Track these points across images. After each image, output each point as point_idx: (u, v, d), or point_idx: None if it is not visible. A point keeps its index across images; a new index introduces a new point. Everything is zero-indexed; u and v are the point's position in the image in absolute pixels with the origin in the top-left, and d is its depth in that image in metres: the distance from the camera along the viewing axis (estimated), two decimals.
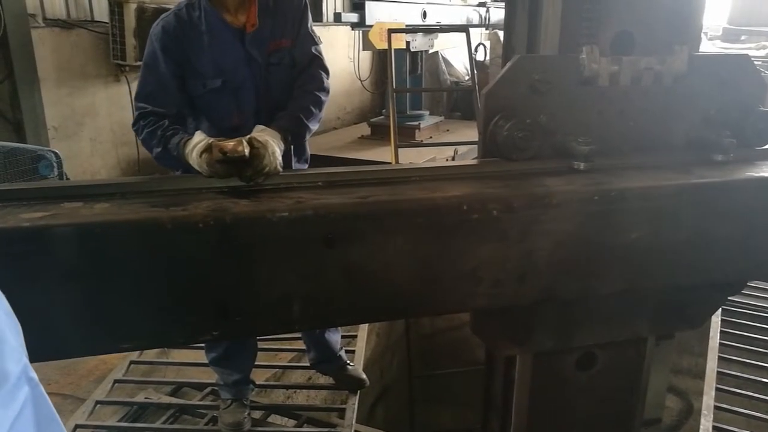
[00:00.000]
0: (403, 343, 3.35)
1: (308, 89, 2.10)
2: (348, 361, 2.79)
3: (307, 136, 2.14)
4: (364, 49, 6.06)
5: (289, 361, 3.12)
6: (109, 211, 1.01)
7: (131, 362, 3.06)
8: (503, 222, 1.11)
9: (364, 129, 7.01)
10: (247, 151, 1.18)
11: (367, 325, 2.93)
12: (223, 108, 2.13)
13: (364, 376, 2.78)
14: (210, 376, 2.71)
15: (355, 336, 2.96)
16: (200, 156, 1.30)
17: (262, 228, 1.01)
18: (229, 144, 1.18)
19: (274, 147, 1.30)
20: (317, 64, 2.16)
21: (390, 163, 4.74)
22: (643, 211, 1.19)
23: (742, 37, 13.82)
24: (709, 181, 1.25)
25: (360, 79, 7.88)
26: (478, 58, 7.57)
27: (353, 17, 5.52)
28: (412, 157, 5.37)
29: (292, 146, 2.22)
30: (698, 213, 1.23)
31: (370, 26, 5.29)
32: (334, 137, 7.13)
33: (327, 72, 2.18)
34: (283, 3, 2.12)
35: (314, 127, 2.11)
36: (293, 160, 2.30)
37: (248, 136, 1.31)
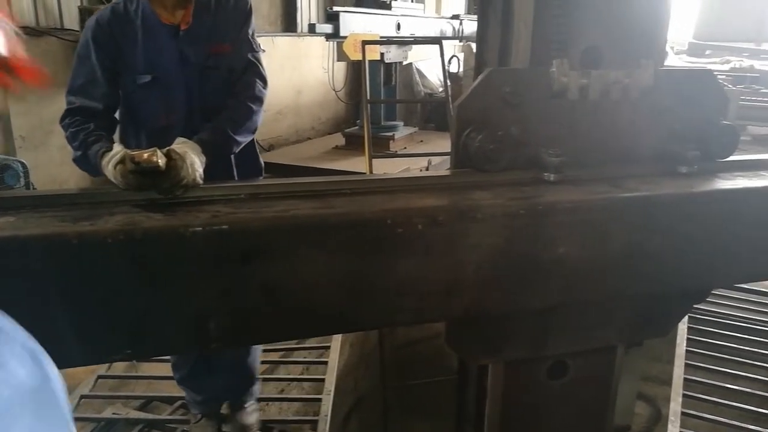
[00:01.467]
0: (378, 354, 3.35)
1: (240, 99, 2.06)
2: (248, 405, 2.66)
3: (236, 149, 2.07)
4: (338, 60, 6.10)
5: (261, 374, 3.08)
6: (12, 226, 0.96)
7: (99, 377, 2.99)
8: (428, 236, 1.09)
9: (339, 139, 7.01)
10: (162, 162, 1.15)
11: (340, 336, 2.92)
12: (152, 106, 2.09)
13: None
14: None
15: (329, 347, 2.94)
16: (115, 167, 1.26)
17: (175, 243, 0.98)
18: (144, 154, 1.14)
19: (194, 159, 1.27)
20: (253, 72, 2.11)
21: (364, 173, 4.74)
22: (572, 224, 1.18)
23: (707, 52, 14.22)
24: (639, 194, 1.26)
25: (334, 90, 7.90)
26: (451, 70, 7.66)
27: (327, 28, 5.53)
28: (386, 168, 5.38)
29: (233, 157, 2.16)
30: (631, 226, 1.25)
31: (345, 37, 5.31)
32: (308, 147, 7.13)
33: (263, 80, 2.13)
34: (226, 6, 2.09)
35: (244, 139, 2.06)
36: (235, 171, 2.22)
37: (166, 148, 1.28)
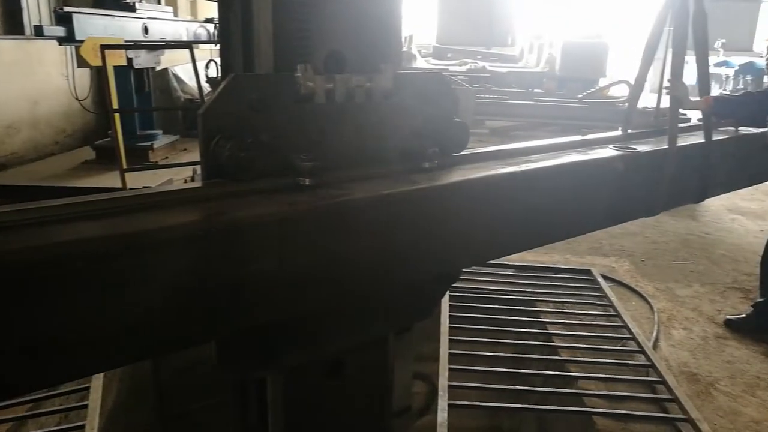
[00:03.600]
0: (152, 384, 3.09)
1: None
2: None
3: None
4: (79, 66, 5.46)
5: None
6: None
7: None
8: (89, 274, 0.94)
9: (89, 153, 6.34)
10: None
11: (102, 374, 2.61)
12: None
13: None
14: None
15: (88, 388, 2.59)
16: None
17: None
18: None
19: None
20: None
21: (120, 188, 4.35)
22: (264, 238, 1.13)
23: (448, 55, 15.87)
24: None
25: (78, 99, 7.09)
26: (211, 75, 7.40)
27: (59, 31, 4.86)
28: (147, 180, 5.01)
29: None
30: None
31: (82, 41, 4.75)
32: (52, 164, 6.32)
33: None
34: None
35: None
36: None
37: None
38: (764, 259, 3.87)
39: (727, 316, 3.97)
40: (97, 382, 2.56)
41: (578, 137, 2.01)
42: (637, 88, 2.38)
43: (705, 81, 2.34)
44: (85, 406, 2.45)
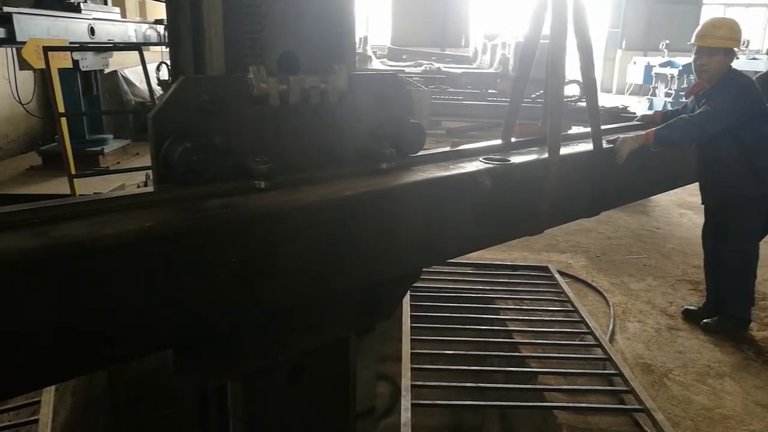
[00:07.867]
0: (108, 395, 3.00)
1: None
2: None
3: None
4: (21, 69, 5.25)
5: None
6: None
7: None
8: None
9: (35, 159, 6.13)
10: None
11: (53, 387, 2.50)
12: None
13: None
14: None
15: (38, 402, 2.48)
16: None
17: None
18: None
19: None
20: None
21: (70, 195, 4.21)
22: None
23: (403, 56, 15.94)
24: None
25: (21, 103, 6.81)
26: (163, 77, 7.24)
27: None
28: (97, 186, 4.87)
29: None
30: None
31: (23, 43, 4.56)
32: None
33: None
34: None
35: None
36: None
37: None
38: (706, 261, 4.04)
39: (686, 306, 4.09)
40: (48, 395, 2.45)
41: (448, 148, 1.82)
42: (517, 93, 2.08)
43: (590, 80, 2.02)
44: (36, 421, 2.36)
